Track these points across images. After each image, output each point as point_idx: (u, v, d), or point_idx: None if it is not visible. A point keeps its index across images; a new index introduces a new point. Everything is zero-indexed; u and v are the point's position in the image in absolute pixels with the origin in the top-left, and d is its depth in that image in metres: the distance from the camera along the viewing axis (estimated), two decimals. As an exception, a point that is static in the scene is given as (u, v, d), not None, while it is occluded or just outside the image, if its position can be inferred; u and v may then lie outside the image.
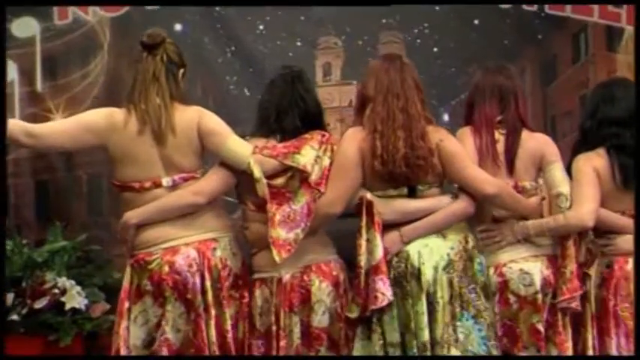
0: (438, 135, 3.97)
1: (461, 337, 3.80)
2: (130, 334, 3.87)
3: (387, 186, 3.93)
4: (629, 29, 6.38)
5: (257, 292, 4.02)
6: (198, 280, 3.85)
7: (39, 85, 5.85)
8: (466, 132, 4.14)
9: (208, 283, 3.86)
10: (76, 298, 4.99)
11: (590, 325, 4.08)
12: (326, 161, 3.96)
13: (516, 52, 6.07)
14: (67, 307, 4.97)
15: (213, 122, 3.95)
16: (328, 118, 4.76)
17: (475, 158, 4.05)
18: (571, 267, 4.00)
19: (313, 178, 3.91)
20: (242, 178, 3.99)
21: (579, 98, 5.82)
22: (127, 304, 3.91)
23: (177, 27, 5.85)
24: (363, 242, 3.83)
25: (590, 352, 4.03)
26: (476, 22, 6.01)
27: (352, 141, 3.93)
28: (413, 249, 3.88)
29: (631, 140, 4.08)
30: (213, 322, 3.85)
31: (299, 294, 3.97)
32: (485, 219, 4.13)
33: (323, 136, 4.01)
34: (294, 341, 3.94)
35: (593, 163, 4.10)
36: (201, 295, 3.85)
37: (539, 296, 4.01)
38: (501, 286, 4.03)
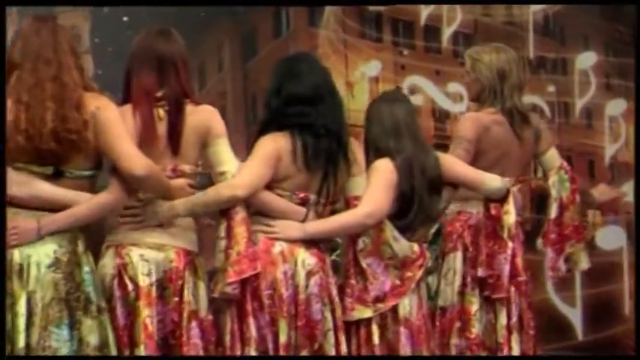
0: (96, 102, 3.60)
1: (54, 344, 3.52)
2: None
3: (31, 161, 3.58)
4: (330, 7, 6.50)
5: None
6: None
7: None
8: (126, 110, 3.79)
9: None
10: None
11: (251, 316, 3.86)
12: None
13: (214, 24, 6.03)
14: None
15: None
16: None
17: (135, 139, 3.72)
18: (238, 248, 3.76)
19: None
20: None
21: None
22: None
23: None
24: None
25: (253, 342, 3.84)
26: (171, -7, 5.97)
27: None
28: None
29: (317, 120, 3.95)
30: None
31: None
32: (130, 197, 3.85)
33: None
34: None
35: (278, 143, 3.92)
36: None
37: (154, 289, 3.75)
38: (120, 268, 3.74)
